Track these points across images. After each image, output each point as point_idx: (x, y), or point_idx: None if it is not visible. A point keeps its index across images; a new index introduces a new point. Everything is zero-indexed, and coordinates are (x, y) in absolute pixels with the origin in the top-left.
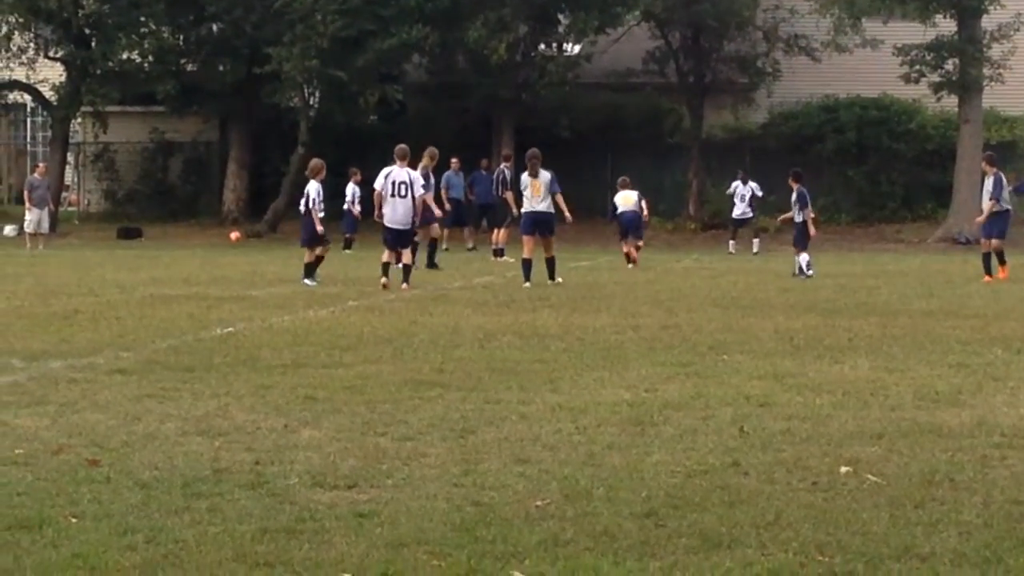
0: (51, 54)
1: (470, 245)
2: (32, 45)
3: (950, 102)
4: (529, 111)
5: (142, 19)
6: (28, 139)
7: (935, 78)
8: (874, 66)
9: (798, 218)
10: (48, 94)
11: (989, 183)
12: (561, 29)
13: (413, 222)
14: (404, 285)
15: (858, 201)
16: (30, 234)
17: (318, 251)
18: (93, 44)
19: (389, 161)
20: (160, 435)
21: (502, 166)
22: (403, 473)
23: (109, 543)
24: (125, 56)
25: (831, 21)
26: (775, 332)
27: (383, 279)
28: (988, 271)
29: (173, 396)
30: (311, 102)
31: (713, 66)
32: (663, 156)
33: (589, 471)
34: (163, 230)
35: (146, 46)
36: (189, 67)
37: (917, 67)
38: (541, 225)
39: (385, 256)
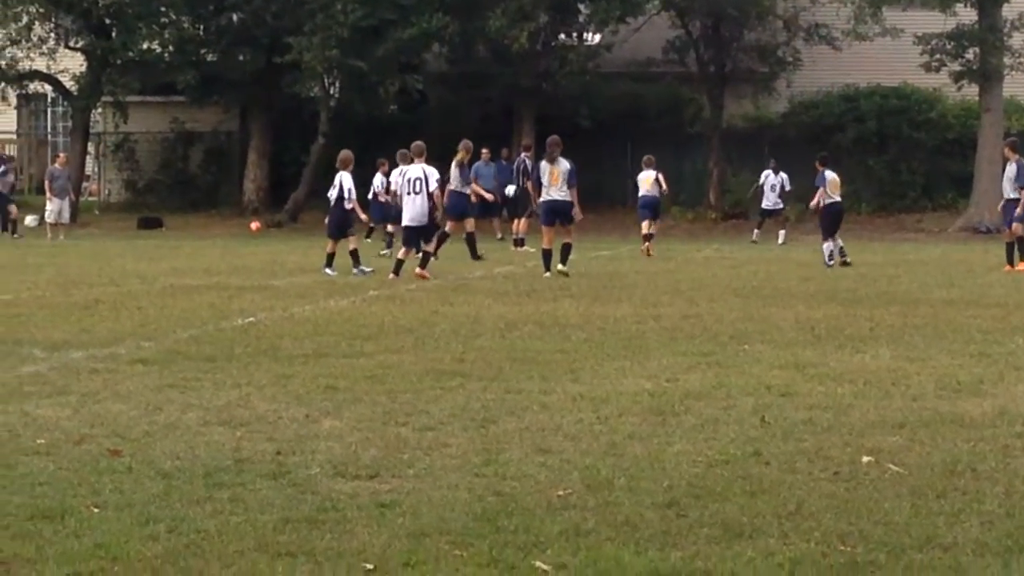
0: (71, 44)
1: (499, 235)
2: (53, 35)
3: (971, 91)
4: (549, 100)
5: (162, 9)
6: (48, 129)
7: (956, 67)
8: (894, 55)
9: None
10: (68, 84)
11: (1012, 170)
12: (582, 18)
13: (431, 217)
14: (418, 269)
15: (879, 190)
16: (51, 224)
17: (332, 246)
18: (113, 34)
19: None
20: (182, 425)
21: (522, 155)
22: (424, 463)
23: (131, 533)
24: (145, 46)
25: (851, 10)
26: (796, 322)
27: (391, 275)
28: (1010, 261)
29: (194, 386)
30: (331, 92)
31: (733, 55)
32: (683, 145)
33: (610, 461)
34: (184, 220)
35: (166, 36)
36: (209, 57)
37: (937, 56)
38: (560, 214)
39: (401, 253)
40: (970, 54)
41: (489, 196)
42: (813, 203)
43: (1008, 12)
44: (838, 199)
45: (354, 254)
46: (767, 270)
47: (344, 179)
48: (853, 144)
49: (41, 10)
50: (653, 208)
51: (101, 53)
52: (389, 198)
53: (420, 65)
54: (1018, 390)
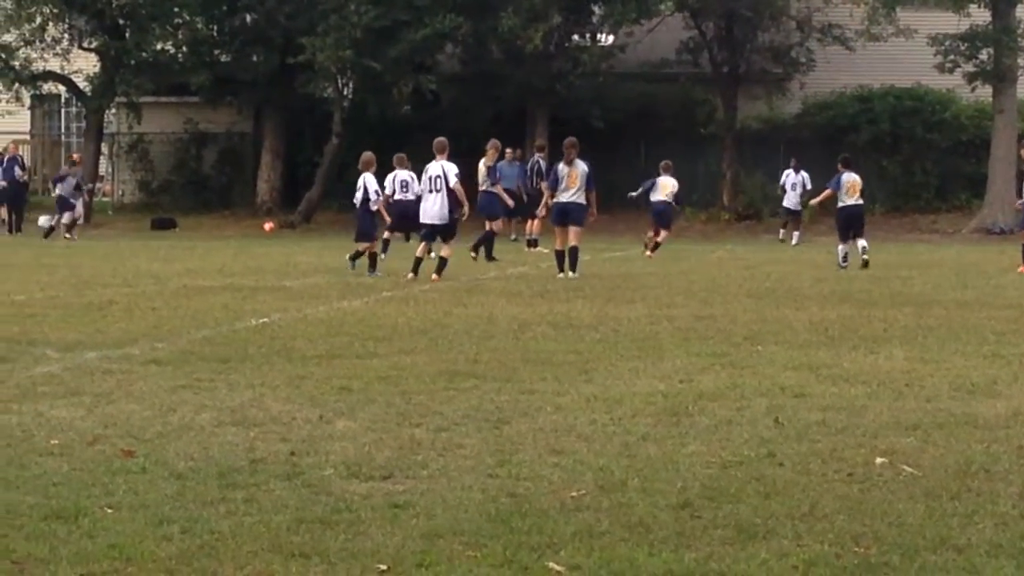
0: (85, 45)
1: (513, 236)
2: (66, 36)
3: (984, 92)
4: (563, 101)
5: (176, 9)
6: (62, 130)
7: (969, 68)
8: (908, 56)
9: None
10: (82, 85)
11: None
12: (595, 19)
13: (451, 215)
14: (434, 276)
15: (892, 191)
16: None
17: (364, 246)
18: (127, 35)
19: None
20: (195, 426)
21: (536, 156)
22: (438, 464)
23: (145, 534)
24: (159, 47)
25: (865, 10)
26: (810, 323)
27: (410, 273)
28: None
29: (208, 387)
30: (345, 92)
31: (747, 56)
32: (697, 147)
33: (624, 462)
34: (197, 221)
35: (180, 36)
36: (223, 58)
37: (951, 57)
38: (569, 214)
39: (419, 251)
40: (984, 55)
41: (510, 202)
42: (815, 201)
43: (1022, 13)
44: (853, 202)
45: (372, 257)
46: (781, 271)
47: (368, 181)
48: (867, 145)
49: (55, 11)
50: (666, 217)
51: (115, 54)
52: (380, 205)
53: (433, 66)
54: None
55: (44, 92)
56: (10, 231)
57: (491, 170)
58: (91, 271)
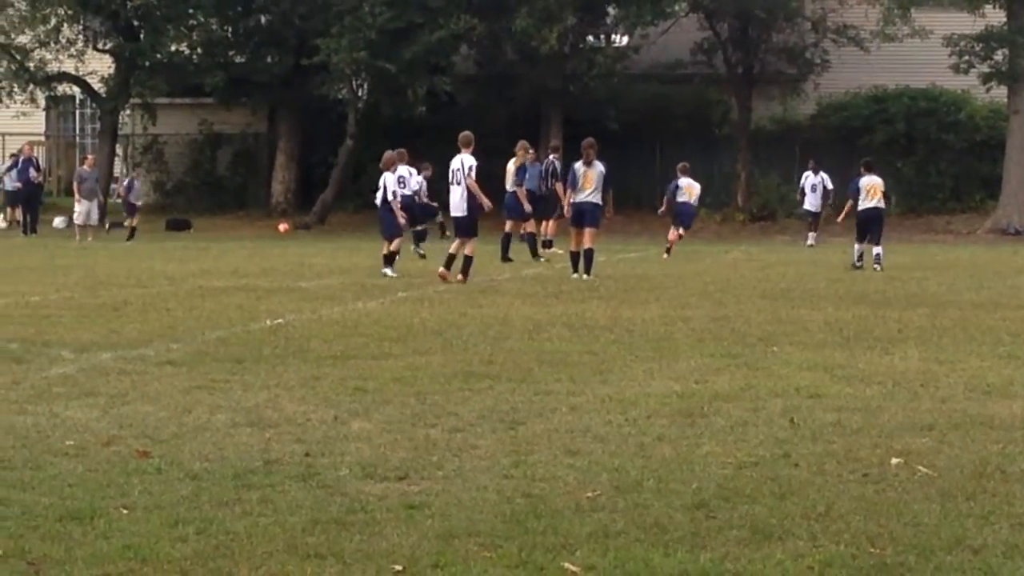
0: (100, 46)
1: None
2: (81, 37)
3: (999, 93)
4: (577, 102)
5: (190, 11)
6: (77, 131)
7: (984, 69)
8: (923, 57)
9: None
10: (97, 86)
11: None
12: (609, 20)
13: (470, 209)
14: (459, 276)
15: (907, 192)
16: (79, 226)
17: (395, 244)
18: (142, 36)
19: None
20: (210, 426)
21: (551, 157)
22: (453, 465)
23: (160, 534)
24: (173, 48)
25: (880, 11)
26: (825, 323)
27: (441, 269)
28: None
29: (223, 387)
30: (359, 94)
31: (761, 57)
32: (711, 147)
33: (639, 463)
34: (212, 222)
35: (194, 38)
36: (237, 59)
37: (966, 58)
38: (585, 215)
39: (453, 247)
40: (999, 55)
41: (528, 206)
42: (840, 218)
43: None
44: (872, 204)
45: (389, 256)
46: (796, 272)
47: (388, 180)
48: (882, 146)
49: (69, 12)
50: (688, 218)
51: (129, 55)
52: (396, 203)
53: (448, 67)
54: None
55: (59, 94)
56: (25, 232)
57: (519, 170)
58: (106, 272)
